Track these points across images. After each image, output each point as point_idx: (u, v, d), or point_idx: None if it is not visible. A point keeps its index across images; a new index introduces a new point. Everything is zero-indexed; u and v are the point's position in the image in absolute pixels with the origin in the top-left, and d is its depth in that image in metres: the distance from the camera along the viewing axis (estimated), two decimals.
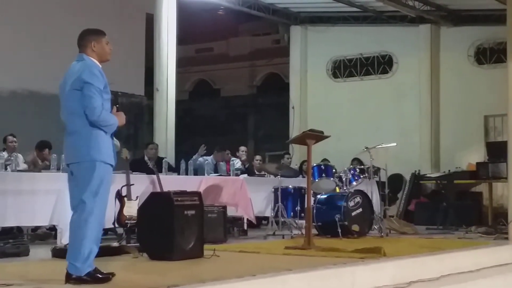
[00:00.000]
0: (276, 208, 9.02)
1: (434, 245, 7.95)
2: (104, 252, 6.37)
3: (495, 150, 11.37)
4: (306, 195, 7.89)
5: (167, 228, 6.18)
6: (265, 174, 10.95)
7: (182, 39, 15.06)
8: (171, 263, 5.91)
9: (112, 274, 4.83)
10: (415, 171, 13.46)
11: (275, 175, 9.55)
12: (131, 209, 7.31)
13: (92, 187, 4.70)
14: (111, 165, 4.88)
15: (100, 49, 4.96)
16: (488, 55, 13.57)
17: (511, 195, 8.97)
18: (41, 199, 7.20)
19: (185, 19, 14.20)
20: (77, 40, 4.99)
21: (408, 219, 11.68)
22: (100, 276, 4.74)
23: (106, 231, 8.68)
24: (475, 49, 13.73)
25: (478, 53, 13.73)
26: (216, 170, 11.05)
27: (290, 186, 9.22)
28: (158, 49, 12.73)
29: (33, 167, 8.70)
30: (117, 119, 4.89)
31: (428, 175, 12.97)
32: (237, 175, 9.90)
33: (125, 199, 7.44)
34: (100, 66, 4.92)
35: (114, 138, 8.90)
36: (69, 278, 4.72)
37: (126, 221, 7.33)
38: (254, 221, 9.59)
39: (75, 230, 4.71)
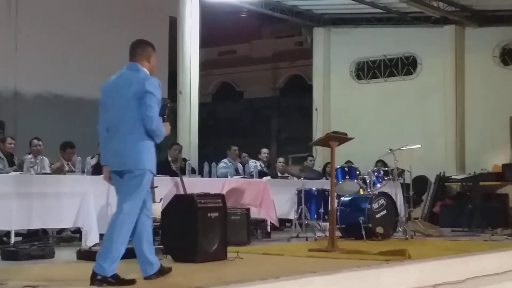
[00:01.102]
0: (299, 210, 8.99)
1: (460, 247, 7.88)
2: (128, 254, 6.42)
3: None
4: (329, 197, 7.87)
5: (190, 230, 6.19)
6: (288, 176, 10.93)
7: (205, 42, 15.09)
8: (195, 265, 5.92)
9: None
10: (440, 173, 13.36)
11: (299, 177, 9.53)
12: (155, 211, 7.28)
13: (136, 194, 4.83)
14: (154, 174, 5.03)
15: (153, 63, 5.10)
16: None
17: None
18: (66, 201, 7.25)
19: (207, 22, 14.24)
20: (131, 48, 5.08)
21: (433, 221, 11.59)
22: (125, 278, 4.81)
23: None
24: (500, 50, 13.60)
25: (503, 53, 13.60)
26: (237, 171, 11.09)
27: (314, 188, 9.19)
28: (181, 52, 12.79)
29: (59, 172, 8.78)
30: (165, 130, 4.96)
31: (453, 177, 12.87)
32: (252, 176, 9.90)
33: None
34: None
35: None
36: (94, 278, 4.75)
37: None
38: (276, 223, 9.57)
39: (111, 231, 4.80)
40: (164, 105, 5.00)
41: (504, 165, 11.65)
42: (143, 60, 5.02)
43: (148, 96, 4.80)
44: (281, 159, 12.18)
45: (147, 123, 4.78)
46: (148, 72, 4.98)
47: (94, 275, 4.75)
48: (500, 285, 6.43)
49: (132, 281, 4.83)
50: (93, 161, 7.96)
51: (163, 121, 4.97)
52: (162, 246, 6.57)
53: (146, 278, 5.06)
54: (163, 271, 5.17)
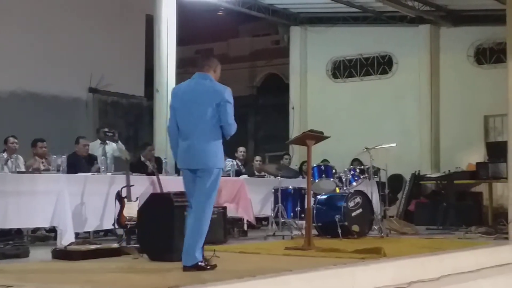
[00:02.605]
0: (276, 209, 9.02)
1: (434, 245, 7.95)
2: (104, 253, 6.40)
3: (495, 150, 11.37)
4: (306, 196, 7.90)
5: (167, 229, 6.18)
6: (265, 175, 10.95)
7: (182, 40, 15.03)
8: (172, 264, 5.90)
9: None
10: (415, 171, 13.46)
11: (275, 176, 9.55)
12: (131, 210, 7.31)
13: (212, 190, 5.44)
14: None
15: (218, 73, 5.63)
16: (488, 55, 13.56)
17: (511, 195, 8.98)
18: (41, 200, 7.19)
19: (184, 20, 14.19)
20: (200, 60, 5.68)
21: (408, 220, 11.68)
22: (211, 264, 5.44)
23: (106, 232, 8.72)
24: (474, 49, 13.72)
25: (478, 53, 13.72)
26: None
27: (290, 187, 9.22)
28: (158, 50, 12.72)
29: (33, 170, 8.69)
30: None
31: (428, 175, 12.97)
32: (228, 175, 9.91)
33: (125, 200, 7.44)
34: None
35: (120, 142, 8.90)
36: (188, 268, 5.30)
37: (126, 222, 7.34)
38: (253, 222, 9.59)
39: (193, 226, 5.36)
40: None
41: (478, 164, 11.75)
42: (210, 70, 5.56)
43: (228, 106, 5.42)
44: (257, 158, 12.20)
45: (227, 129, 5.43)
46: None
47: (186, 267, 5.29)
48: (474, 283, 6.50)
49: (215, 266, 5.44)
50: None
51: None
52: (138, 245, 6.56)
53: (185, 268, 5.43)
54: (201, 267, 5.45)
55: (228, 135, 5.48)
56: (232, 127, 5.45)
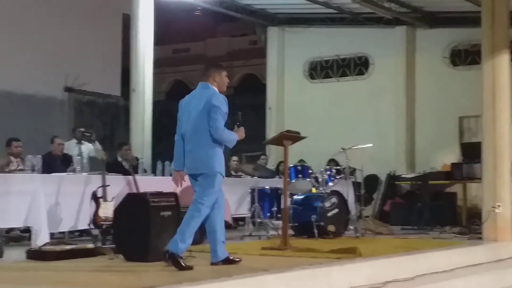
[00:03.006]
0: (252, 209, 9.03)
1: (409, 245, 8.02)
2: (79, 253, 6.36)
3: (470, 151, 11.48)
4: (282, 196, 7.92)
5: (143, 229, 6.17)
6: (241, 175, 10.96)
7: (159, 40, 14.98)
8: (147, 264, 5.89)
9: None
10: (391, 171, 13.55)
11: (252, 176, 9.57)
12: (107, 210, 7.26)
13: (209, 193, 5.65)
14: (223, 177, 5.79)
15: (219, 81, 5.91)
16: (463, 56, 13.70)
17: (485, 196, 9.09)
18: (15, 200, 7.11)
19: (162, 20, 14.14)
20: (202, 71, 6.06)
21: (384, 220, 11.76)
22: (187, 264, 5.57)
23: (81, 233, 8.66)
24: (450, 51, 13.85)
25: (453, 54, 13.85)
26: None
27: (267, 187, 9.23)
28: (134, 50, 12.68)
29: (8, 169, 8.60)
30: (237, 135, 5.82)
31: (403, 175, 13.04)
32: None
33: (101, 200, 7.40)
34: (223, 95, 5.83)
35: (97, 142, 8.86)
36: (167, 254, 5.46)
37: (102, 223, 7.28)
38: (230, 222, 9.59)
39: (186, 222, 5.60)
40: (236, 114, 6.01)
41: (453, 164, 11.86)
42: (209, 79, 5.88)
43: (213, 110, 5.65)
44: (234, 158, 12.20)
45: (213, 133, 5.64)
46: (216, 89, 5.84)
47: (167, 252, 5.44)
48: (448, 282, 6.57)
49: (190, 267, 5.51)
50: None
51: (238, 126, 5.90)
52: (114, 245, 6.53)
53: (212, 263, 5.80)
54: (230, 261, 5.83)
55: (217, 140, 5.67)
56: (218, 131, 5.63)
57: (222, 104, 5.72)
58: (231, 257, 5.89)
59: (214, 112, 5.65)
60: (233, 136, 5.79)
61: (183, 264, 5.47)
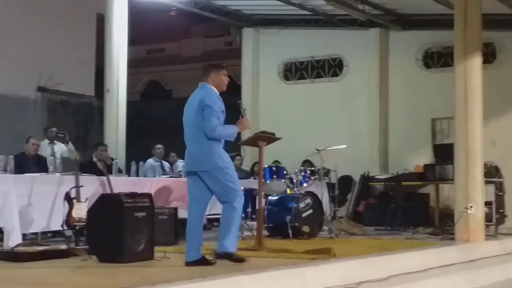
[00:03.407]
0: None
1: (383, 245, 8.08)
2: (52, 254, 6.31)
3: (442, 152, 11.58)
4: (257, 197, 7.92)
5: (117, 230, 6.13)
6: None
7: (134, 40, 14.94)
8: (121, 265, 5.86)
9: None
10: (364, 172, 13.63)
11: None
12: (80, 211, 7.21)
13: (227, 188, 5.90)
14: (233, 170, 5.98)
15: (217, 80, 6.04)
16: (436, 59, 13.83)
17: (457, 197, 9.19)
18: None
19: (136, 20, 14.08)
20: (202, 71, 6.22)
21: (357, 220, 11.83)
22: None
23: (54, 234, 8.58)
24: (423, 53, 13.98)
25: (426, 57, 13.98)
26: (164, 170, 11.05)
27: (242, 188, 9.19)
28: (109, 50, 12.59)
29: None
30: (237, 127, 6.03)
31: (376, 176, 13.12)
32: (180, 176, 9.88)
33: (74, 201, 7.34)
34: (218, 93, 6.01)
35: (70, 143, 8.81)
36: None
37: (75, 223, 7.23)
38: (205, 222, 9.56)
39: (228, 221, 5.97)
40: (240, 106, 6.36)
41: (425, 166, 11.95)
42: (207, 79, 6.02)
43: (206, 110, 5.80)
44: None
45: (206, 132, 5.78)
46: (214, 88, 5.98)
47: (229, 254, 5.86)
48: (421, 283, 6.63)
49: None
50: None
51: (242, 117, 6.20)
52: (87, 246, 6.48)
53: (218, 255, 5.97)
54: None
55: (211, 137, 5.81)
56: (211, 131, 5.77)
57: (214, 103, 5.84)
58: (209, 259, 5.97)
59: (207, 112, 5.78)
60: (230, 131, 5.93)
61: (236, 258, 5.87)
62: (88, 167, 8.91)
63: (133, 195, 6.44)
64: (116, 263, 5.93)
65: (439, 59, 13.74)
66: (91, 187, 7.78)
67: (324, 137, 12.93)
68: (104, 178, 8.04)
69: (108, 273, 5.48)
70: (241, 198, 5.99)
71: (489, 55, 12.81)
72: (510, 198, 10.97)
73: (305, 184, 9.50)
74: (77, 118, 14.34)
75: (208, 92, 5.92)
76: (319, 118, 14.46)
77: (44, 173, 7.97)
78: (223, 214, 6.02)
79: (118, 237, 6.08)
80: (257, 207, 7.89)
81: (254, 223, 8.34)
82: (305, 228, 8.91)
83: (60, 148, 9.77)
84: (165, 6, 14.81)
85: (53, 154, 8.93)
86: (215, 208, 9.71)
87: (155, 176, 9.77)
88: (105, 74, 12.68)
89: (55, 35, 13.21)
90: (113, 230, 6.14)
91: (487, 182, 9.71)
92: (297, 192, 9.27)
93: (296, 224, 8.78)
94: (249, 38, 15.47)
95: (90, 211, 6.55)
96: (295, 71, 15.23)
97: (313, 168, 9.90)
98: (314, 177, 9.62)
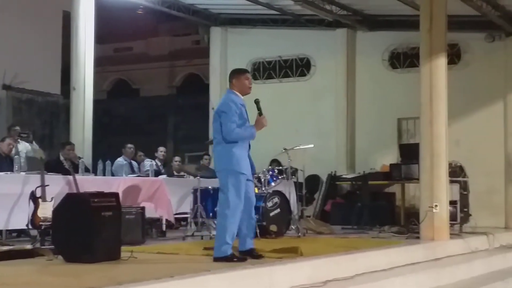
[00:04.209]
0: (195, 209, 9.01)
1: (349, 244, 8.15)
2: (17, 255, 6.23)
3: (408, 152, 11.70)
4: None
5: (83, 230, 6.08)
6: (184, 175, 10.93)
7: (100, 38, 14.82)
8: (87, 265, 5.82)
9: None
10: (331, 172, 13.70)
11: (195, 176, 9.54)
12: (46, 210, 7.14)
13: (228, 191, 6.12)
14: (243, 174, 6.19)
15: (239, 85, 6.34)
16: (402, 59, 13.97)
17: (423, 196, 9.31)
18: None
19: (103, 18, 13.97)
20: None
21: (324, 219, 11.90)
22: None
23: (19, 233, 8.49)
24: (389, 54, 14.10)
25: (392, 57, 14.10)
26: (132, 169, 11.00)
27: (210, 187, 9.23)
28: (75, 48, 12.47)
29: None
30: (255, 127, 6.26)
31: (343, 176, 13.20)
32: (147, 175, 9.85)
33: (40, 200, 7.27)
34: (242, 97, 6.34)
35: (33, 142, 8.72)
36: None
37: (41, 223, 7.17)
38: (173, 221, 9.56)
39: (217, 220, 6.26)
40: (257, 104, 6.39)
41: (391, 165, 12.06)
42: (231, 85, 6.38)
43: (223, 116, 6.18)
44: (177, 158, 12.15)
45: (225, 136, 6.15)
46: (238, 93, 6.32)
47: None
48: (387, 281, 6.70)
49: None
50: None
51: (259, 115, 6.34)
52: (53, 246, 6.42)
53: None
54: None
55: (230, 140, 6.15)
56: (227, 133, 6.12)
57: (227, 108, 6.18)
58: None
59: (223, 118, 6.16)
60: (248, 132, 6.22)
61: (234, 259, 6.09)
62: (54, 166, 8.82)
63: (99, 195, 6.39)
64: (82, 263, 5.88)
65: (405, 59, 13.88)
66: (57, 187, 7.72)
67: (292, 136, 12.98)
68: (70, 177, 7.98)
69: (74, 273, 5.43)
70: (225, 203, 6.15)
71: (454, 56, 12.98)
72: (474, 197, 11.16)
73: (272, 184, 9.53)
74: (43, 116, 14.17)
75: (224, 99, 6.28)
76: (287, 117, 14.49)
77: (8, 172, 7.87)
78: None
79: (84, 237, 6.04)
80: None
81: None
82: (273, 227, 8.94)
83: (25, 147, 9.65)
84: (132, 4, 14.71)
85: (17, 153, 8.81)
86: (182, 207, 9.76)
87: (124, 175, 9.73)
88: (71, 72, 12.56)
89: (20, 32, 13.04)
90: (79, 230, 6.09)
91: (451, 182, 9.86)
92: (264, 191, 9.29)
93: (264, 223, 8.80)
94: (217, 37, 15.45)
95: (56, 211, 6.49)
96: (263, 70, 15.26)
97: (280, 167, 9.94)
98: (282, 176, 9.66)
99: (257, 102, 6.44)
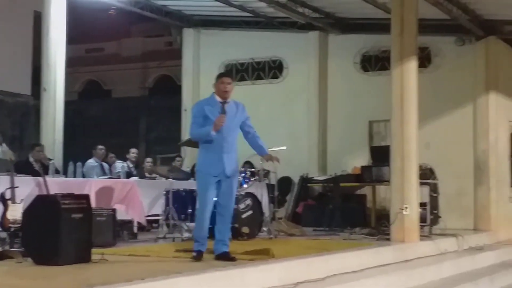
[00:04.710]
0: (167, 211, 8.98)
1: (321, 246, 8.19)
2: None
3: (379, 154, 11.80)
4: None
5: (53, 232, 6.03)
6: (156, 177, 10.89)
7: (72, 38, 14.68)
8: (58, 268, 5.77)
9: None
10: (303, 174, 13.75)
11: (167, 178, 9.51)
12: (15, 212, 7.07)
13: (199, 191, 6.63)
14: (209, 174, 6.48)
15: (216, 89, 6.69)
16: (373, 62, 14.06)
17: (393, 198, 9.39)
18: None
19: (75, 18, 13.86)
20: None
21: (296, 221, 11.94)
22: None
23: None
24: (361, 57, 14.19)
25: (363, 60, 14.19)
26: (103, 171, 10.93)
27: (182, 189, 9.21)
28: (46, 48, 12.36)
29: None
30: (210, 126, 6.39)
31: (315, 178, 13.26)
32: (119, 177, 9.80)
33: (9, 202, 7.19)
34: (220, 99, 6.62)
35: (3, 144, 8.63)
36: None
37: (10, 225, 7.08)
38: (144, 223, 9.51)
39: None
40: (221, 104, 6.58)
41: (363, 167, 12.15)
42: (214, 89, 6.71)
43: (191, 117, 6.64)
44: (149, 159, 12.10)
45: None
46: (217, 96, 6.65)
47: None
48: (357, 282, 6.75)
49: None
50: None
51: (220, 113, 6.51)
52: (22, 249, 6.36)
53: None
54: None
55: (202, 142, 6.59)
56: (189, 134, 6.75)
57: (196, 109, 6.62)
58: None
59: (191, 118, 6.62)
60: (203, 131, 6.45)
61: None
62: (24, 168, 8.73)
63: (70, 196, 6.35)
64: (52, 265, 5.83)
65: (376, 62, 13.98)
66: (26, 188, 7.64)
67: (264, 138, 12.85)
68: (41, 179, 7.90)
69: (44, 275, 5.38)
70: (198, 203, 6.60)
71: (424, 59, 13.10)
72: (444, 199, 11.29)
73: (245, 185, 9.54)
74: (13, 117, 14.03)
75: (197, 101, 6.87)
76: (259, 119, 14.34)
77: None
78: None
79: (55, 239, 5.99)
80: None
81: (194, 224, 8.32)
82: (245, 229, 8.95)
83: None
84: (105, 5, 14.63)
85: None
86: (154, 209, 9.72)
87: (95, 177, 9.67)
88: (42, 73, 12.45)
89: None
90: (49, 232, 6.04)
91: (422, 184, 9.95)
92: (237, 193, 9.28)
93: (236, 225, 8.80)
94: (190, 39, 15.42)
95: (26, 213, 6.42)
96: (236, 72, 15.26)
97: (253, 169, 9.96)
98: (254, 178, 9.68)
99: (222, 102, 6.62)
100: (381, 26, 12.07)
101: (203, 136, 6.49)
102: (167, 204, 9.01)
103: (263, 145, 6.93)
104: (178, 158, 12.38)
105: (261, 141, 6.92)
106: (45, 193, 7.63)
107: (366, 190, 12.77)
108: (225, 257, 6.41)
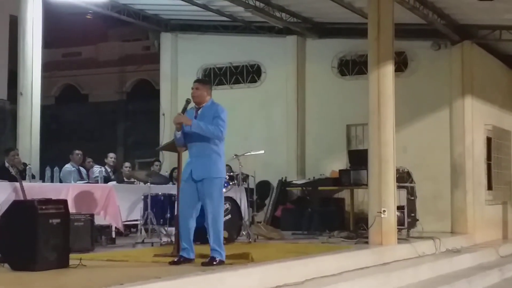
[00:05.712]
0: (145, 216, 8.95)
1: (299, 250, 8.22)
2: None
3: (356, 158, 11.86)
4: (176, 202, 7.90)
5: (30, 238, 5.98)
6: (134, 181, 10.85)
7: (48, 43, 14.59)
8: (35, 273, 5.73)
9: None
10: (282, 178, 13.78)
11: (145, 182, 9.49)
12: None
13: None
14: (182, 178, 6.66)
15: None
16: (351, 66, 14.14)
17: (371, 201, 9.45)
18: None
19: (51, 22, 13.78)
20: None
21: (275, 225, 11.96)
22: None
23: None
24: (338, 61, 14.26)
25: (341, 64, 14.26)
26: (81, 176, 10.87)
27: (160, 193, 9.18)
28: (22, 52, 12.26)
29: None
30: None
31: (294, 182, 13.27)
32: (97, 182, 9.76)
33: None
34: (194, 106, 7.03)
35: None
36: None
37: None
38: (122, 229, 9.47)
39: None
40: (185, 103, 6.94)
41: (341, 171, 12.20)
42: None
43: None
44: (127, 164, 12.05)
45: None
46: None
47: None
48: (336, 286, 6.77)
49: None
50: None
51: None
52: None
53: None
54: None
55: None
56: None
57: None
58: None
59: None
60: (176, 134, 6.73)
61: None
62: (0, 173, 8.65)
63: (47, 202, 6.30)
64: (29, 271, 5.79)
65: (353, 67, 14.06)
66: (3, 194, 7.57)
67: (243, 142, 13.00)
68: (17, 184, 7.84)
69: (21, 281, 5.34)
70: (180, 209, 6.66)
71: (401, 64, 13.21)
72: (421, 202, 11.38)
73: (224, 189, 9.51)
74: None
75: None
76: (238, 123, 14.49)
77: None
78: None
79: (32, 245, 5.94)
80: (175, 213, 7.86)
81: (173, 229, 8.31)
82: (224, 234, 8.91)
83: None
84: (82, 9, 14.55)
85: None
86: (132, 214, 9.68)
87: (72, 182, 9.61)
88: (18, 77, 12.34)
89: None
90: (26, 238, 6.00)
91: (399, 187, 10.03)
92: None
93: None
94: (168, 43, 15.39)
95: (2, 218, 6.36)
96: (214, 76, 15.26)
97: (231, 173, 9.96)
98: (233, 182, 9.68)
99: (186, 101, 6.96)
100: (358, 31, 12.17)
101: (176, 139, 6.79)
102: (145, 209, 8.98)
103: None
104: (156, 163, 12.35)
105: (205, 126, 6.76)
106: (22, 198, 7.57)
107: (344, 194, 12.82)
108: (209, 263, 6.38)
